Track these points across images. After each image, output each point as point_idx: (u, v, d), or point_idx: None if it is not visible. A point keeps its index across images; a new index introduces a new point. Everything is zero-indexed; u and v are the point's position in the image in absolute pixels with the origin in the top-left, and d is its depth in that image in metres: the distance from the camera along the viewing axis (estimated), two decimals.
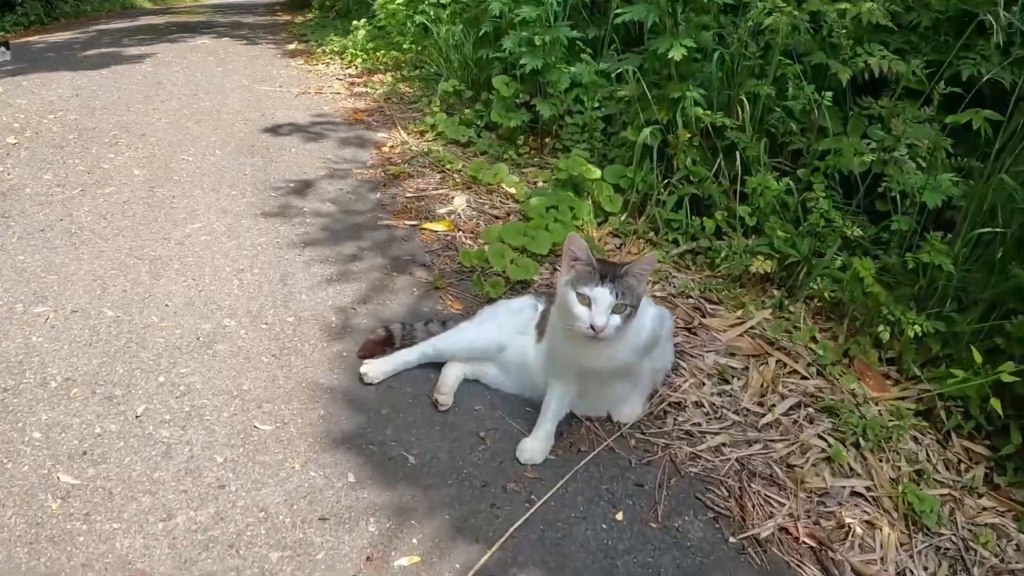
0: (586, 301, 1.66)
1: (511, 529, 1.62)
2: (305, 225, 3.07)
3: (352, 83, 5.71)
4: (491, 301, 2.35)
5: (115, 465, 1.77)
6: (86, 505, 1.66)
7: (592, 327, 1.65)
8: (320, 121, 4.67)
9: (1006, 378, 1.85)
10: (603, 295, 1.66)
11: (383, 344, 2.22)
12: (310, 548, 1.56)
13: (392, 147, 4.01)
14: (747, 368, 2.19)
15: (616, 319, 1.67)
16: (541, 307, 2.08)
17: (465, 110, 4.08)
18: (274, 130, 4.43)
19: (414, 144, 4.03)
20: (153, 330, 2.32)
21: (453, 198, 3.20)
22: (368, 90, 5.35)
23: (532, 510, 1.69)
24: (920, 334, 2.09)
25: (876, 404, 2.07)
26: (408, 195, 3.36)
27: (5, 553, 1.51)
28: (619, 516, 1.71)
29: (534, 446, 1.87)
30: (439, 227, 2.92)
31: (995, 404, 1.87)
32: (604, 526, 1.68)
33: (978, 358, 1.87)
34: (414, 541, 1.59)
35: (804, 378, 2.22)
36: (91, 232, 2.93)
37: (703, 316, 2.40)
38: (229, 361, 2.16)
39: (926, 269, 2.29)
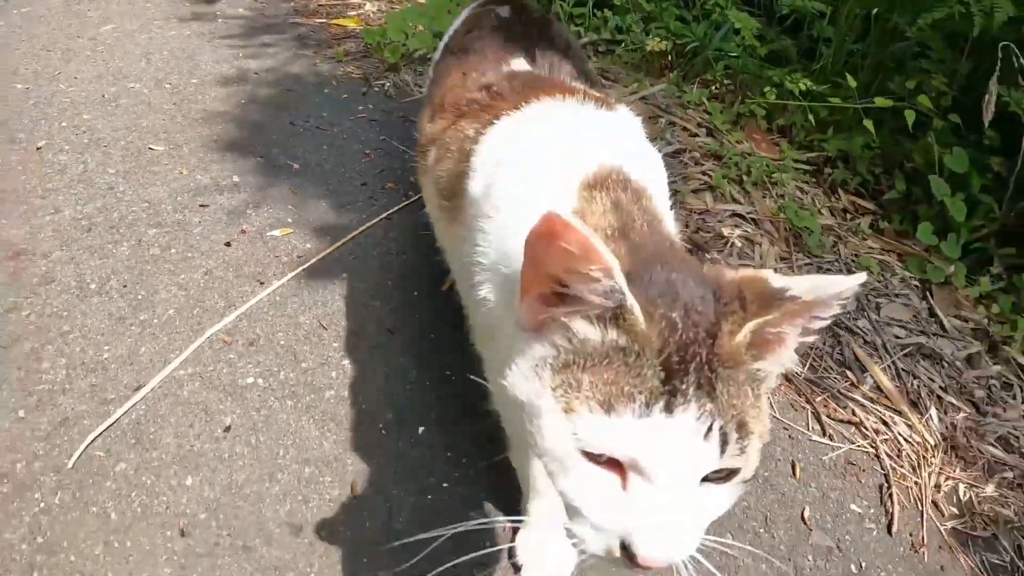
0: (613, 464, 0.54)
1: (388, 212, 1.59)
2: (216, 24, 2.91)
3: None
4: (392, 67, 2.24)
5: (12, 182, 1.73)
6: None
7: (634, 557, 0.53)
8: None
9: (880, 102, 1.83)
10: (683, 444, 0.52)
11: None
12: (187, 226, 1.53)
13: None
14: None
15: (708, 498, 0.56)
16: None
17: None
18: None
19: None
20: (60, 94, 2.22)
21: (364, 4, 3.04)
22: None
23: (412, 200, 1.65)
24: (805, 91, 2.04)
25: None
26: (321, 3, 3.18)
27: None
28: None
29: None
30: (348, 23, 2.79)
31: (868, 125, 1.85)
32: None
33: (850, 82, 1.83)
34: (289, 220, 1.56)
35: (693, 135, 2.18)
36: (4, 38, 2.73)
37: None
38: (131, 109, 2.07)
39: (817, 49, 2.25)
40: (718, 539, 0.60)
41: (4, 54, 2.52)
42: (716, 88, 2.39)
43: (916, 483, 1.29)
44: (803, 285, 0.55)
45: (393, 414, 1.17)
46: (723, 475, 0.54)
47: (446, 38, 1.34)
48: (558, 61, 1.12)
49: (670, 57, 2.41)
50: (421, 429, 1.15)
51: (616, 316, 0.54)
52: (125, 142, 1.91)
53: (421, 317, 1.38)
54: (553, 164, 0.71)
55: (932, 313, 1.73)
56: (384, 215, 1.62)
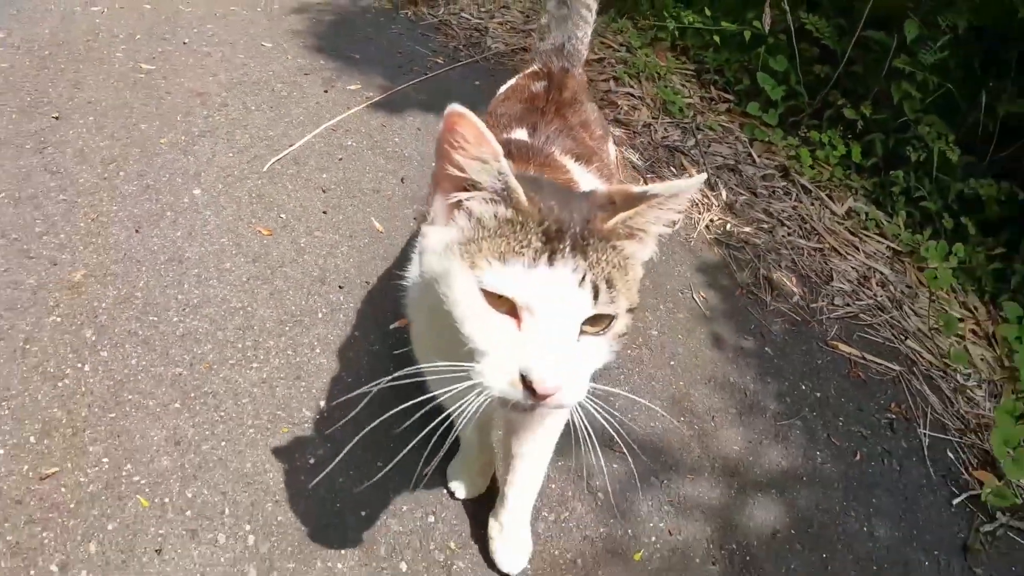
0: (509, 307, 0.75)
1: (412, 82, 2.97)
2: None
3: None
4: (412, 2, 3.61)
5: (177, 60, 3.01)
6: (162, 74, 2.90)
7: (531, 386, 0.73)
8: None
9: (726, 27, 3.18)
10: (562, 288, 0.75)
11: None
12: (300, 84, 2.90)
13: None
14: None
15: (591, 348, 0.79)
16: None
17: None
18: None
19: None
20: (182, 13, 3.50)
21: None
22: None
23: (434, 73, 3.03)
24: (694, 23, 3.39)
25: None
26: None
27: (114, 96, 2.76)
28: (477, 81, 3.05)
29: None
30: None
31: (716, 39, 3.19)
32: (475, 84, 3.02)
33: (706, 12, 3.19)
34: (358, 82, 2.94)
35: (616, 51, 3.52)
36: None
37: None
38: (238, 24, 3.40)
39: None
40: (605, 387, 0.81)
41: None
42: (643, 22, 3.74)
43: (698, 216, 2.67)
44: (659, 187, 0.77)
45: (420, 158, 2.57)
46: (600, 327, 0.75)
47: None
48: (558, 136, 1.29)
49: None
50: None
51: (504, 197, 0.76)
52: (243, 42, 3.25)
53: (431, 123, 2.77)
54: None
55: (749, 155, 3.09)
56: (412, 83, 2.98)
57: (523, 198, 0.76)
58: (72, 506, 1.51)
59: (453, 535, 1.55)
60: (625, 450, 1.73)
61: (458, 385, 0.77)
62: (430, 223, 0.83)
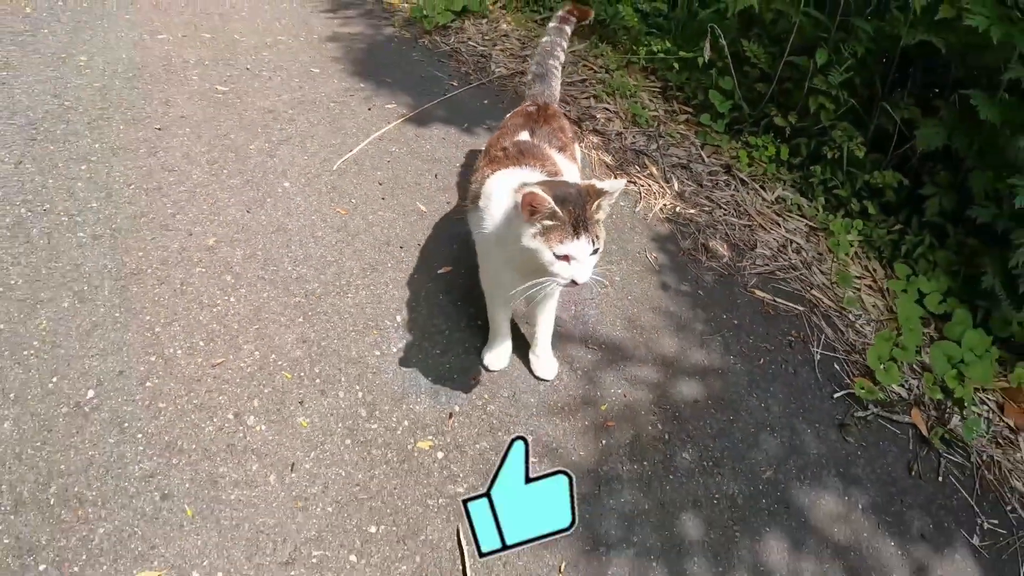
0: (564, 257, 1.72)
1: (435, 101, 4.18)
2: (312, 3, 5.46)
3: None
4: (427, 32, 4.84)
5: (244, 83, 4.13)
6: (236, 94, 4.02)
7: (575, 282, 1.75)
8: None
9: (683, 54, 4.42)
10: (584, 248, 1.73)
11: None
12: (348, 103, 4.04)
13: None
14: None
15: (593, 259, 1.76)
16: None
17: None
18: None
19: None
20: (238, 42, 4.66)
21: None
22: None
23: (450, 95, 4.24)
24: (660, 50, 4.62)
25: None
26: None
27: (202, 112, 3.92)
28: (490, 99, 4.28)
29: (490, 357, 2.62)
30: (395, 2, 5.37)
31: (675, 64, 4.44)
32: (484, 103, 4.25)
33: (666, 43, 4.44)
34: (393, 102, 4.12)
35: (596, 72, 4.76)
36: (180, 10, 5.19)
37: None
38: (287, 51, 4.56)
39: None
40: (598, 278, 1.88)
41: (184, 20, 5.03)
42: (621, 47, 4.97)
43: (654, 202, 3.89)
44: (607, 185, 1.77)
45: (447, 160, 3.78)
46: (595, 252, 1.74)
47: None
48: (548, 137, 2.38)
49: (595, 26, 4.98)
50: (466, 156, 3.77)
51: (554, 214, 1.68)
52: (296, 68, 4.44)
53: (458, 136, 3.99)
54: (507, 187, 1.91)
55: (700, 156, 4.32)
56: (433, 102, 4.14)
57: (561, 212, 1.69)
58: (238, 380, 2.59)
59: (486, 391, 2.70)
60: (596, 346, 2.93)
61: (539, 288, 1.81)
62: (526, 222, 1.76)
